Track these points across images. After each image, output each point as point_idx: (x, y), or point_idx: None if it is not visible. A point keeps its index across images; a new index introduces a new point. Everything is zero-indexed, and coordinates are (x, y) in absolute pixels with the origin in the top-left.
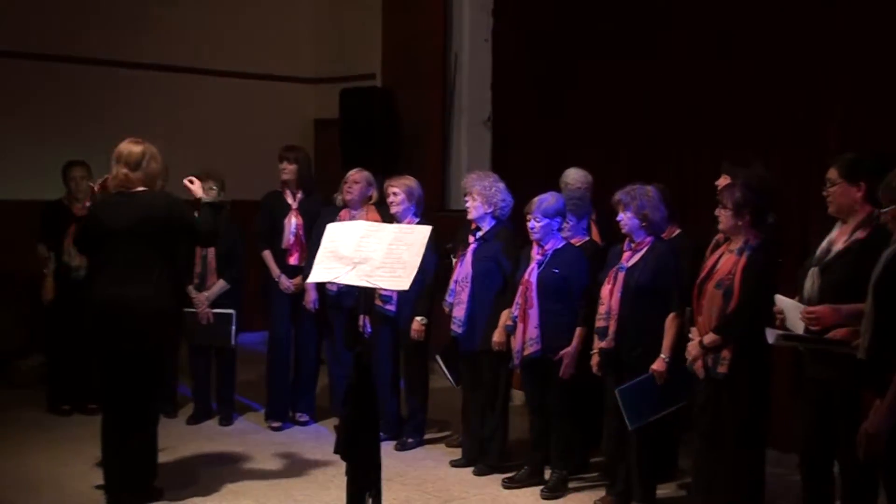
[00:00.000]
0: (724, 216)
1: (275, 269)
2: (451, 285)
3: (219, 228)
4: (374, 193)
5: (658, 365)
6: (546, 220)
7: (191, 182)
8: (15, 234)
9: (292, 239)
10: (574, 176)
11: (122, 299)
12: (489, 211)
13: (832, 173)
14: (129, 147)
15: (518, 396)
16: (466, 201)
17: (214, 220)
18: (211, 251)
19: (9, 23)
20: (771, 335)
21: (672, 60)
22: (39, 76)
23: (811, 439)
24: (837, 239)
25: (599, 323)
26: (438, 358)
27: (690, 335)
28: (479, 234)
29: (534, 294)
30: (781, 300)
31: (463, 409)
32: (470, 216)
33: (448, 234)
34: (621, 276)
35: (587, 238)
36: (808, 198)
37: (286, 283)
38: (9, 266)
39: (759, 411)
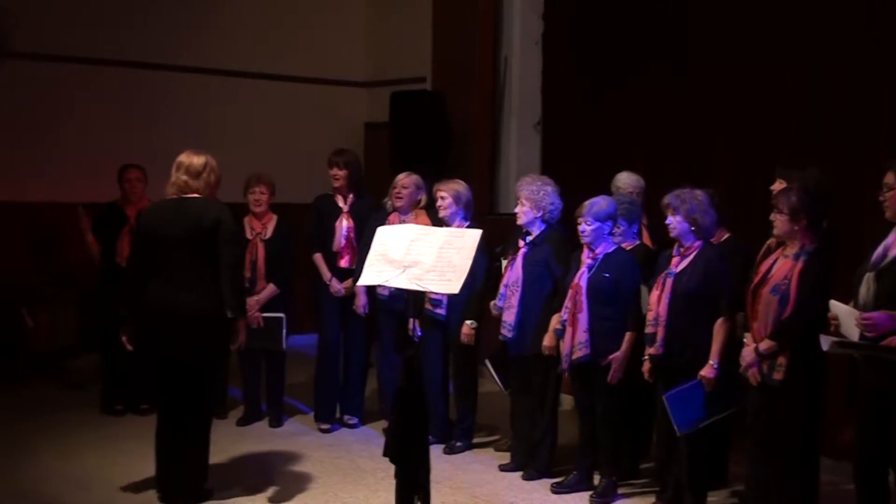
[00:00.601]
0: (779, 221)
1: (326, 273)
2: (502, 289)
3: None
4: (424, 197)
5: (707, 371)
6: (597, 224)
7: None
8: (71, 235)
9: (343, 242)
10: (625, 180)
11: (174, 306)
12: (538, 215)
13: (889, 177)
14: (191, 158)
15: (567, 401)
16: (517, 205)
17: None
18: (261, 255)
19: (62, 27)
20: (825, 342)
21: (723, 62)
22: (93, 80)
23: (866, 447)
24: (893, 244)
25: (648, 329)
26: (488, 363)
27: (745, 341)
28: (530, 238)
29: (584, 298)
30: (836, 306)
31: (512, 414)
32: (519, 222)
33: (497, 237)
34: (670, 281)
35: (638, 242)
36: (862, 202)
37: (337, 286)
38: (64, 266)
39: (815, 419)
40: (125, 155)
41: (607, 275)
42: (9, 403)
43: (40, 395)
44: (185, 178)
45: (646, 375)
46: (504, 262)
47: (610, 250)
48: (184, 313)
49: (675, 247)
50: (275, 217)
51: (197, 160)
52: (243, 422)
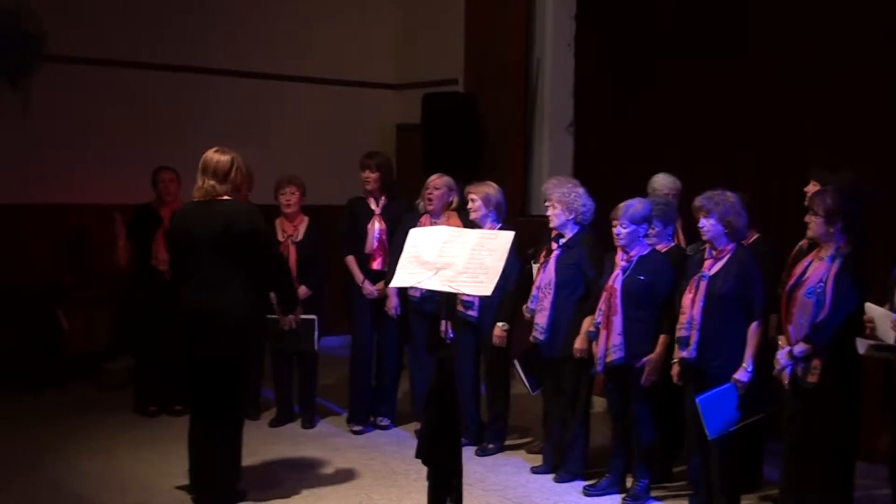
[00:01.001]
0: (814, 223)
1: (358, 275)
2: (534, 292)
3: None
4: (456, 199)
5: (740, 374)
6: (632, 227)
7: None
8: (105, 236)
9: (375, 244)
10: (661, 181)
11: (206, 309)
12: (571, 217)
13: None
14: (217, 157)
15: (599, 403)
16: (547, 208)
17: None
18: (292, 258)
19: (97, 30)
20: (861, 345)
21: (758, 63)
22: (125, 83)
23: None
24: None
25: (680, 332)
26: (516, 363)
27: (779, 343)
28: (563, 240)
29: (618, 301)
30: (872, 308)
31: (544, 416)
32: (552, 224)
33: (530, 239)
34: (703, 284)
35: (673, 244)
36: None
37: (369, 288)
38: (99, 268)
39: (850, 422)
40: (158, 157)
41: (642, 277)
42: (44, 404)
43: (75, 396)
44: (212, 182)
45: (675, 379)
46: (535, 265)
47: (645, 252)
48: (215, 315)
49: (708, 249)
50: (306, 219)
51: (223, 159)
52: (276, 423)
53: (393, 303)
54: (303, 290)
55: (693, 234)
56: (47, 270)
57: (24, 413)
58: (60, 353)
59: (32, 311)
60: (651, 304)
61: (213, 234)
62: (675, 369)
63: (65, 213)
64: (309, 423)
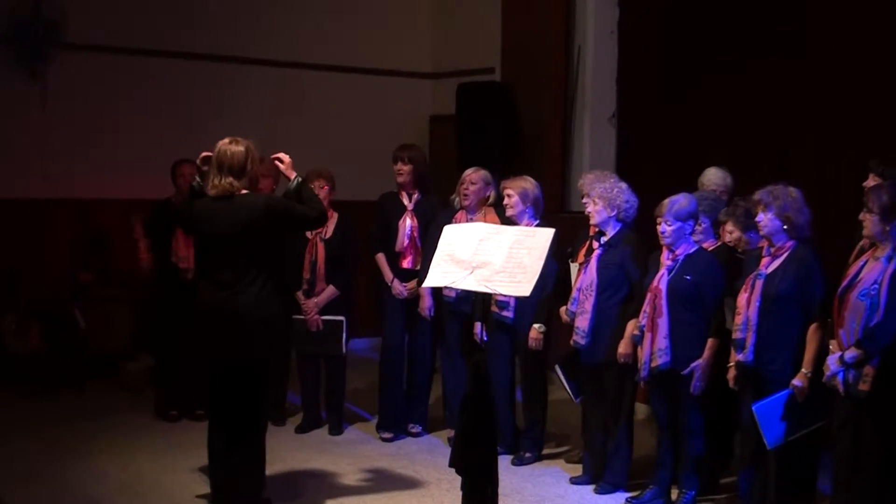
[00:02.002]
0: (869, 221)
1: (388, 274)
2: (575, 293)
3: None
4: (492, 194)
5: (799, 380)
6: (678, 224)
7: (280, 161)
8: (126, 233)
9: (406, 241)
10: (711, 177)
11: (227, 307)
12: (613, 214)
13: None
14: (231, 149)
15: (642, 410)
16: (586, 204)
17: (317, 197)
18: (321, 256)
19: (119, 17)
20: None
21: (818, 61)
22: (151, 73)
23: None
24: None
25: (736, 334)
26: (558, 369)
27: (830, 348)
28: (604, 239)
29: (663, 302)
30: None
31: (584, 423)
32: (593, 221)
33: (569, 237)
34: (759, 283)
35: (719, 242)
36: None
37: (399, 287)
38: (118, 266)
39: None
40: (181, 150)
41: (689, 277)
42: (61, 406)
43: (93, 398)
44: (229, 178)
45: (731, 384)
46: (574, 264)
47: (691, 251)
48: (236, 314)
49: (766, 246)
50: (335, 215)
51: (238, 150)
52: (302, 429)
53: (427, 303)
54: (330, 290)
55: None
56: (65, 268)
57: (40, 414)
58: (78, 353)
59: (50, 309)
60: (698, 305)
61: (233, 230)
62: (732, 373)
63: (84, 208)
64: (336, 430)
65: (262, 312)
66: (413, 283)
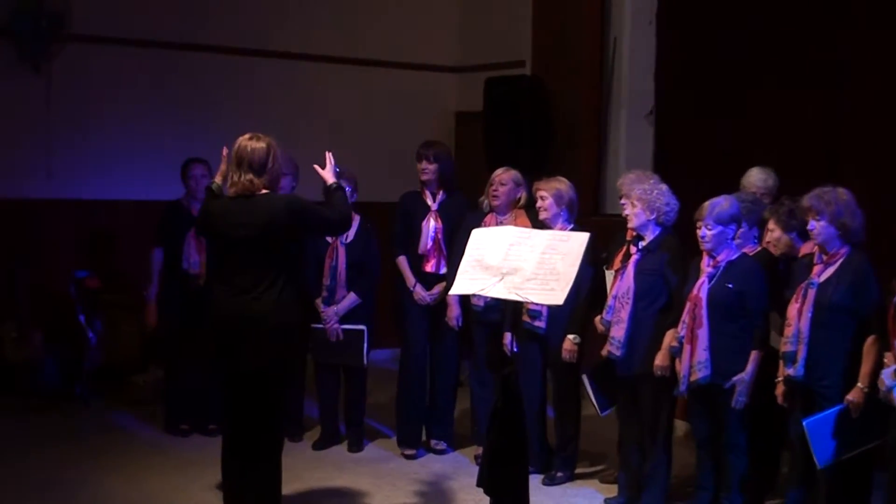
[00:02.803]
0: None
1: (410, 279)
2: (610, 301)
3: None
4: (523, 195)
5: (854, 395)
6: (719, 228)
7: (321, 167)
8: (135, 236)
9: (430, 244)
10: (752, 178)
11: (243, 314)
12: (652, 218)
13: None
14: (251, 145)
15: (681, 427)
16: (624, 206)
17: (347, 202)
18: (342, 261)
19: (127, 7)
20: None
21: (867, 53)
22: (162, 66)
23: None
24: None
25: (786, 347)
26: (585, 379)
27: (885, 361)
28: (642, 244)
29: (704, 312)
30: None
31: (620, 441)
32: (631, 225)
33: (604, 241)
34: (812, 292)
35: (759, 248)
36: None
37: (421, 293)
38: (127, 271)
39: None
40: (194, 148)
41: (731, 285)
42: (65, 419)
43: (99, 411)
44: (249, 176)
45: (779, 399)
46: (610, 271)
47: (733, 257)
48: (253, 320)
49: (818, 253)
50: (357, 218)
51: (259, 147)
52: (320, 445)
53: (454, 312)
54: (351, 298)
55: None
56: (70, 273)
57: (43, 428)
58: (84, 364)
59: (54, 316)
60: (741, 315)
61: (252, 232)
62: (781, 388)
63: (90, 209)
64: (356, 446)
65: (279, 319)
66: (437, 288)
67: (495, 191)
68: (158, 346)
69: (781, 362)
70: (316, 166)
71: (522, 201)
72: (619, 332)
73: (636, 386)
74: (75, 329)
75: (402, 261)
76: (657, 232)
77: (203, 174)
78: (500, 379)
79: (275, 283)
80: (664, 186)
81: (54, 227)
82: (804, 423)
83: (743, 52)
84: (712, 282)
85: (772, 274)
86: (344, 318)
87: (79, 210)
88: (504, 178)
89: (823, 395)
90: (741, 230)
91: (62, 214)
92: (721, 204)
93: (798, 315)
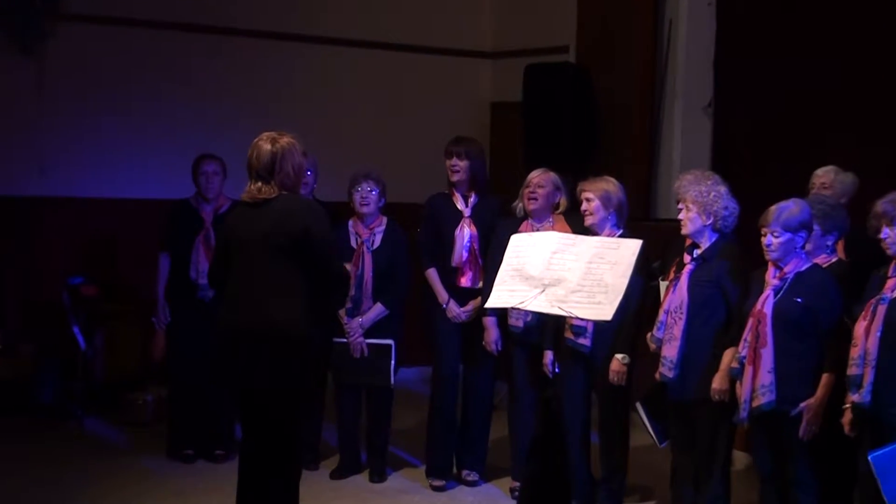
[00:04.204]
0: None
1: (441, 294)
2: (661, 317)
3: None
4: (563, 200)
5: None
6: (787, 235)
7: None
8: (138, 239)
9: (465, 255)
10: (826, 177)
11: (256, 326)
12: (708, 223)
13: None
14: (260, 147)
15: (741, 459)
16: (679, 210)
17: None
18: (368, 269)
19: None
20: None
21: None
22: (168, 50)
23: None
24: None
25: (852, 370)
26: (639, 406)
27: None
28: (698, 252)
29: (768, 329)
30: None
31: (672, 474)
32: (685, 231)
33: (656, 249)
34: (882, 309)
35: (835, 258)
36: None
37: (455, 310)
38: (126, 277)
39: None
40: (205, 142)
41: (799, 299)
42: (58, 441)
43: (96, 433)
44: (258, 184)
45: (846, 429)
46: (663, 282)
47: (803, 268)
48: (268, 334)
49: (893, 266)
50: (384, 220)
51: (264, 150)
52: (338, 474)
53: (492, 336)
54: (378, 309)
55: (859, 246)
56: (64, 279)
57: (33, 451)
58: (78, 380)
59: (47, 327)
60: (811, 333)
61: (262, 235)
62: (848, 416)
63: (87, 208)
64: (379, 476)
65: (298, 332)
66: (472, 305)
67: (532, 193)
68: (162, 361)
69: (847, 387)
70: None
71: (562, 207)
72: (671, 351)
73: (691, 412)
74: (69, 342)
75: (433, 273)
76: (714, 239)
77: (215, 171)
78: (541, 403)
79: (291, 292)
80: (723, 188)
81: (46, 227)
82: (870, 457)
83: (815, 35)
84: (778, 295)
85: (849, 287)
86: (369, 332)
87: (74, 209)
88: (542, 179)
89: (893, 424)
90: (813, 235)
91: (55, 214)
92: (790, 208)
93: (865, 334)
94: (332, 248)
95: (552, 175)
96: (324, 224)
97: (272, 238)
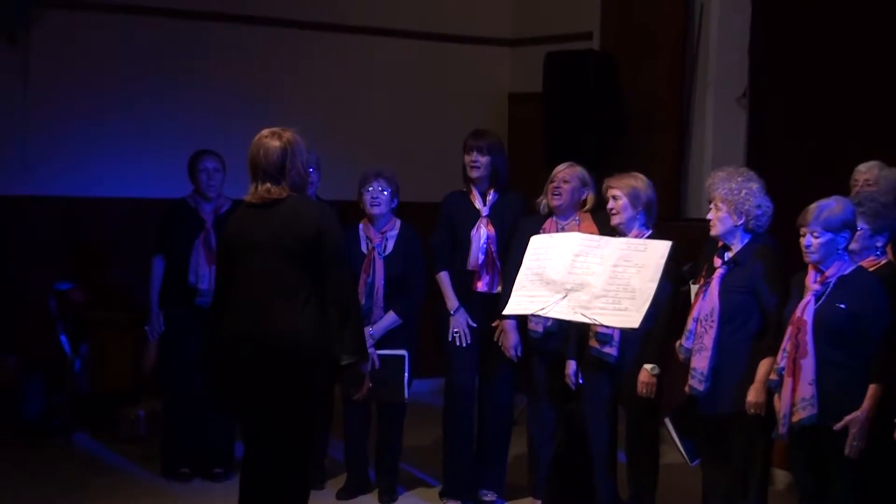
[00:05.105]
0: None
1: (452, 300)
2: (690, 325)
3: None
4: (590, 197)
5: None
6: (829, 236)
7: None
8: (131, 241)
9: (481, 258)
10: (868, 172)
11: (260, 335)
12: (740, 223)
13: None
14: (266, 144)
15: (780, 478)
16: (710, 209)
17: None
18: (379, 275)
19: None
20: None
21: None
22: (164, 38)
23: None
24: None
25: None
26: (668, 422)
27: None
28: (729, 254)
29: (809, 338)
30: None
31: (704, 494)
32: (714, 232)
33: (687, 252)
34: None
35: (884, 260)
36: None
37: (461, 324)
38: (117, 282)
39: None
40: (204, 138)
41: (843, 305)
42: (44, 458)
43: (85, 450)
44: (266, 184)
45: None
46: (694, 287)
47: (847, 272)
48: (272, 344)
49: None
50: (397, 223)
51: (272, 147)
52: (346, 494)
53: (511, 341)
54: (390, 318)
55: None
56: (50, 283)
57: (18, 468)
58: (67, 393)
59: (30, 336)
60: (855, 341)
61: (269, 241)
62: None
63: (76, 208)
64: (389, 496)
65: (305, 341)
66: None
67: (557, 188)
68: (156, 373)
69: None
70: None
71: (589, 204)
72: (701, 362)
73: (724, 428)
74: (56, 352)
75: (444, 277)
76: (746, 240)
77: (216, 168)
78: (563, 417)
79: (297, 299)
80: (755, 185)
81: (31, 228)
82: None
83: (861, 18)
84: (820, 301)
85: None
86: (380, 343)
87: (61, 209)
88: (568, 174)
89: None
90: (860, 234)
91: (41, 214)
92: (831, 207)
93: None
94: (344, 262)
95: (579, 170)
96: (336, 227)
97: (281, 242)
